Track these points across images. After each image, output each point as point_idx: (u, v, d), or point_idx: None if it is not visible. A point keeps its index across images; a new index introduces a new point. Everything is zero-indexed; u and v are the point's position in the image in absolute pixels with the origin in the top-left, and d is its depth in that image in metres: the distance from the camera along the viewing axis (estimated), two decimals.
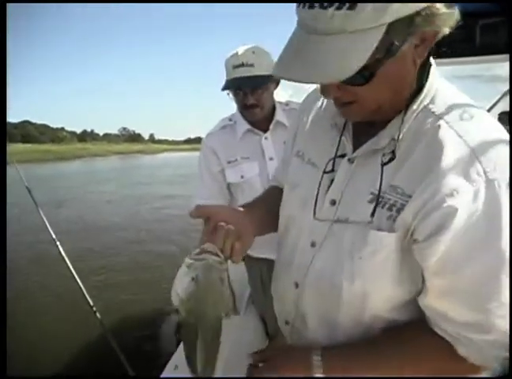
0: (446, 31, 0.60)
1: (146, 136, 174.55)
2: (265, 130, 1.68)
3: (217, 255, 0.67)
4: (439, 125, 0.64)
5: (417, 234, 0.63)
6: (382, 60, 0.58)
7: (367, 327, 0.74)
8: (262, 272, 1.71)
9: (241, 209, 0.85)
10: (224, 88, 1.60)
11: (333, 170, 0.77)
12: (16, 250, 6.39)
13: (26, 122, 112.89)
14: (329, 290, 0.75)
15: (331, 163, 0.78)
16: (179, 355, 1.09)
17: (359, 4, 0.52)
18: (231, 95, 1.64)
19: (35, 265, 6.07)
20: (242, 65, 1.52)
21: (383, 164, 0.67)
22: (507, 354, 0.62)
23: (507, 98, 3.04)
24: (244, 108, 1.63)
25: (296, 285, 0.83)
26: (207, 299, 0.66)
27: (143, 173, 23.77)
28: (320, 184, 0.79)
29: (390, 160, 0.67)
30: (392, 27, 0.55)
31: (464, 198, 0.58)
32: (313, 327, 0.82)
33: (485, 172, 0.58)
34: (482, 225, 0.58)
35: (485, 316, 0.61)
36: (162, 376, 0.90)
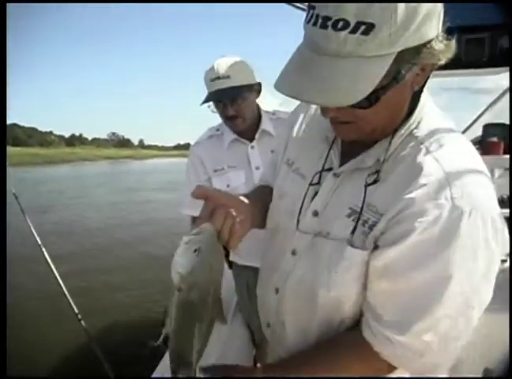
0: (443, 62, 0.63)
1: (136, 142, 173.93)
2: (252, 139, 1.70)
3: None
4: (419, 150, 0.67)
5: (379, 241, 0.67)
6: (387, 86, 0.60)
7: (335, 331, 0.78)
8: (249, 280, 1.70)
9: (242, 197, 0.83)
10: (204, 102, 1.63)
11: (318, 183, 0.80)
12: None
13: (14, 125, 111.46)
14: (306, 297, 0.78)
15: (317, 175, 0.80)
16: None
17: (373, 30, 0.53)
18: (212, 108, 1.66)
19: (20, 269, 5.98)
20: (219, 77, 1.54)
21: (367, 185, 0.70)
22: (422, 360, 0.66)
23: (491, 110, 3.12)
24: (226, 119, 1.65)
25: (277, 291, 0.86)
26: (212, 268, 0.66)
27: (132, 178, 23.63)
28: (305, 195, 0.81)
29: (374, 182, 0.70)
30: (400, 55, 0.57)
31: (425, 219, 0.61)
32: (290, 333, 0.85)
33: (452, 198, 0.61)
34: (432, 247, 0.62)
35: (407, 319, 0.65)
36: (158, 368, 0.87)
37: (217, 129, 1.76)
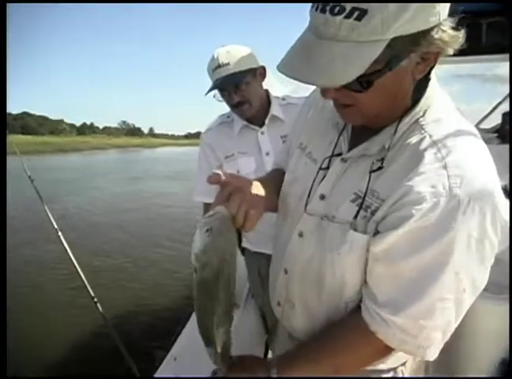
0: (450, 51, 0.63)
1: (146, 130, 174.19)
2: (262, 125, 1.70)
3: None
4: (423, 138, 0.69)
5: (379, 226, 0.70)
6: (381, 71, 0.61)
7: (340, 315, 0.81)
8: (261, 266, 1.71)
9: (256, 181, 0.84)
10: (208, 92, 1.62)
11: (328, 168, 0.82)
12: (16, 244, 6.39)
13: (25, 114, 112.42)
14: (313, 278, 0.82)
15: (327, 160, 0.83)
16: (178, 347, 1.07)
17: (365, 16, 0.55)
18: (218, 96, 1.65)
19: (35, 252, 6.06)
20: (219, 66, 1.54)
21: (371, 171, 0.72)
22: (415, 342, 0.69)
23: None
24: (233, 107, 1.65)
25: (286, 271, 0.90)
26: (225, 248, 0.68)
27: (142, 167, 23.70)
28: (315, 179, 0.84)
29: (379, 169, 0.72)
30: (394, 42, 0.58)
31: (423, 206, 0.63)
32: (299, 313, 0.89)
33: (450, 187, 0.62)
34: (429, 234, 0.63)
35: (402, 300, 0.68)
36: (162, 367, 0.90)
37: (228, 116, 1.77)
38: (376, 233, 0.70)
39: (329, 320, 0.83)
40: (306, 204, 0.84)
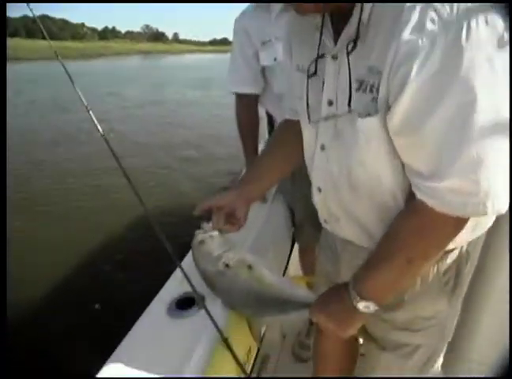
0: None
1: (170, 36, 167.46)
2: None
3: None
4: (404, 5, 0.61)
5: (389, 100, 0.65)
6: None
7: (392, 213, 0.79)
8: None
9: (233, 193, 1.01)
10: None
11: (315, 73, 0.80)
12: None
13: (44, 17, 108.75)
14: (347, 187, 0.82)
15: (313, 65, 0.80)
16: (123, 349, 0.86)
17: None
18: None
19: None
20: None
21: (348, 53, 0.70)
22: (476, 199, 0.62)
23: None
24: None
25: (319, 190, 0.91)
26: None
27: (167, 74, 22.98)
28: (308, 88, 0.83)
29: (355, 45, 0.68)
30: None
31: (419, 54, 0.58)
32: (345, 225, 0.91)
33: (440, 17, 0.57)
34: (439, 81, 0.58)
35: (443, 163, 0.62)
36: (105, 367, 0.77)
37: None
38: (388, 109, 0.65)
39: (382, 220, 0.81)
40: (308, 116, 0.85)
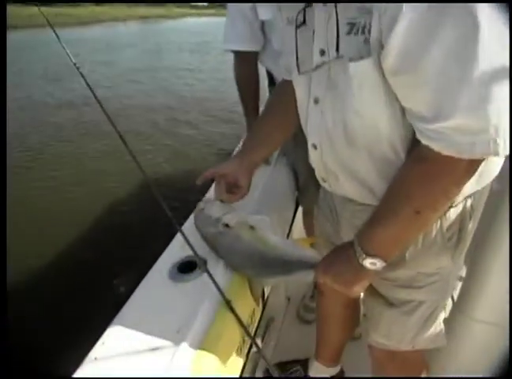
0: None
1: None
2: None
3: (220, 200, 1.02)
4: None
5: (382, 39, 0.61)
6: None
7: (395, 165, 0.76)
8: None
9: (235, 161, 1.02)
10: None
11: (304, 22, 0.77)
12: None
13: None
14: (343, 141, 0.79)
15: (302, 14, 0.77)
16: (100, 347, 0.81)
17: None
18: None
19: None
20: None
21: None
22: (485, 137, 0.58)
23: None
24: None
25: (315, 146, 0.88)
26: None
27: (165, 40, 22.37)
28: (296, 39, 0.80)
29: None
30: None
31: None
32: (344, 182, 0.88)
33: None
34: (435, 5, 0.53)
35: (446, 102, 0.58)
36: (80, 368, 0.71)
37: None
38: (381, 48, 0.62)
39: (383, 174, 0.79)
40: (298, 68, 0.82)
